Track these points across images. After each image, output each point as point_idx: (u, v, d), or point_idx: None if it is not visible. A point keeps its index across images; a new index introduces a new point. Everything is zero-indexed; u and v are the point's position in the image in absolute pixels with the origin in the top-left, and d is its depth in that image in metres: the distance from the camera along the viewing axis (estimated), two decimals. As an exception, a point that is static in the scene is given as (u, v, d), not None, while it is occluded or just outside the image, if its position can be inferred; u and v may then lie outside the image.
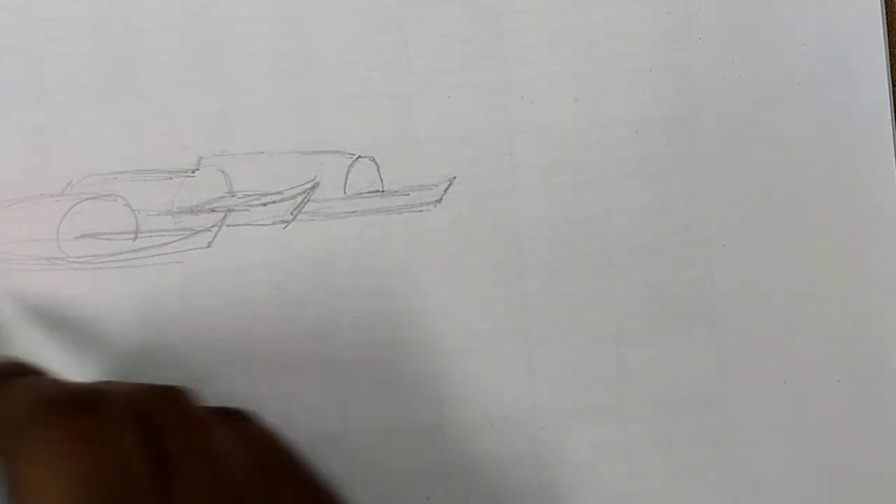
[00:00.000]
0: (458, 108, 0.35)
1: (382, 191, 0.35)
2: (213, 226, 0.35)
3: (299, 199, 0.35)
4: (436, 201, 0.35)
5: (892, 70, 0.35)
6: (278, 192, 0.35)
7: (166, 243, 0.34)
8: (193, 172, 0.35)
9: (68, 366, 0.34)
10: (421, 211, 0.35)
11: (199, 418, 0.28)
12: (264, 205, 0.35)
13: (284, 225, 0.35)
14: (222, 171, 0.35)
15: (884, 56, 0.35)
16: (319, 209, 0.35)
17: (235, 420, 0.30)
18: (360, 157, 0.35)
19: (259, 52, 0.35)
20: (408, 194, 0.35)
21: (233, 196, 0.35)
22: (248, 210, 0.35)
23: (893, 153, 0.35)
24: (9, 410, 0.26)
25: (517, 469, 0.35)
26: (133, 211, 0.34)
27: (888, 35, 0.35)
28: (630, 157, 0.35)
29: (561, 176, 0.35)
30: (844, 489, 0.35)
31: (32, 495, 0.24)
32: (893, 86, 0.35)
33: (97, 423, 0.25)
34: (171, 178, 0.35)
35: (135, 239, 0.34)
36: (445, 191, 0.35)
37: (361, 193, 0.35)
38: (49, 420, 0.25)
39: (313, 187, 0.35)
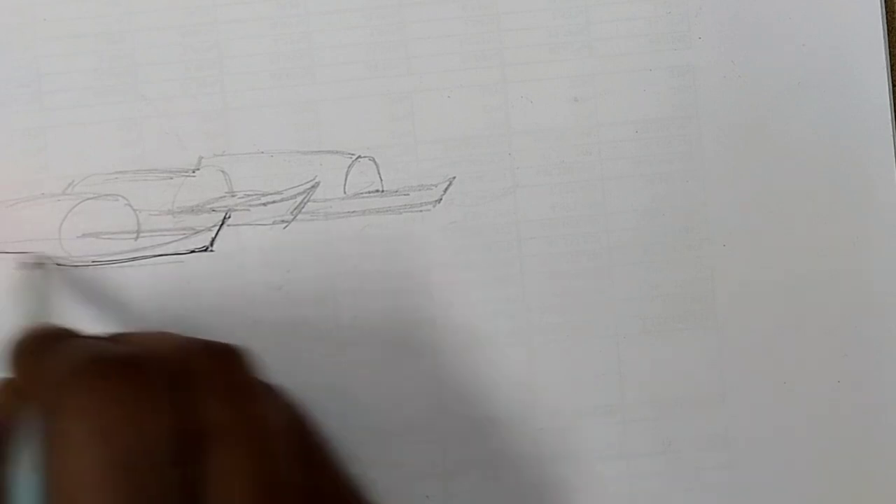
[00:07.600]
0: (458, 108, 0.35)
1: (382, 191, 0.35)
2: (214, 226, 0.35)
3: (299, 199, 0.35)
4: (436, 201, 0.35)
5: (892, 70, 0.35)
6: (278, 192, 0.35)
7: (167, 243, 0.35)
8: (194, 172, 0.35)
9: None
10: (421, 211, 0.35)
11: (250, 386, 0.27)
12: (264, 205, 0.35)
13: (285, 225, 0.35)
14: (222, 171, 0.35)
15: (884, 56, 0.35)
16: (319, 209, 0.35)
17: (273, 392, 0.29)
18: (359, 157, 0.35)
19: (259, 52, 0.35)
20: (408, 194, 0.35)
21: (233, 196, 0.35)
22: (248, 210, 0.35)
23: (893, 153, 0.35)
24: (55, 369, 0.26)
25: (517, 468, 0.35)
26: (134, 211, 0.35)
27: (888, 35, 0.35)
28: (630, 157, 0.35)
29: (561, 176, 0.35)
30: (844, 489, 0.35)
31: (66, 451, 0.25)
32: (893, 86, 0.35)
33: (133, 387, 0.25)
34: (171, 178, 0.35)
35: (136, 238, 0.35)
36: (445, 191, 0.35)
37: (361, 193, 0.35)
38: (89, 380, 0.25)
39: (313, 187, 0.35)
